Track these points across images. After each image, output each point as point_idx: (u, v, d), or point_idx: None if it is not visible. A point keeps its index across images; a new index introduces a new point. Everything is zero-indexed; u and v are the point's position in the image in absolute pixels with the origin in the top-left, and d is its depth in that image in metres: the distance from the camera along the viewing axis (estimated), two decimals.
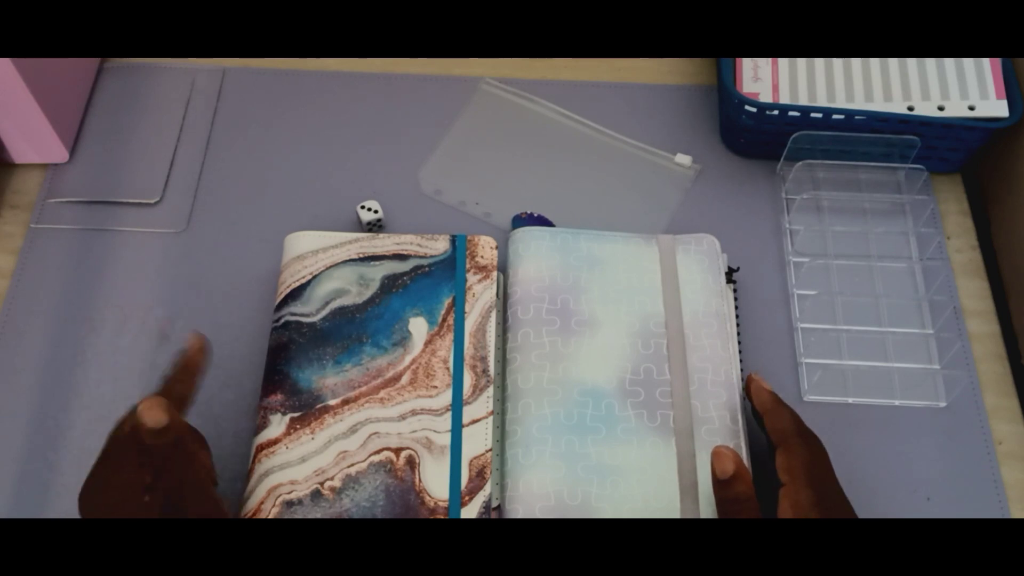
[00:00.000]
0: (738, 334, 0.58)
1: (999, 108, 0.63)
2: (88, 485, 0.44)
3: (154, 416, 0.42)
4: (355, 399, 0.53)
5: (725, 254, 0.59)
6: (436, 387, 0.53)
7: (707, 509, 0.50)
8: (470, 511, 0.50)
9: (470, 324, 0.55)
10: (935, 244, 0.64)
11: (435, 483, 0.50)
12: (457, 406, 0.53)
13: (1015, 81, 0.64)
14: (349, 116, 0.69)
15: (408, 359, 0.54)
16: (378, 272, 0.57)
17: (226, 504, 0.46)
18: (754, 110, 0.63)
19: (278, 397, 0.53)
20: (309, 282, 0.57)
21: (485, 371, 0.54)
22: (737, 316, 0.59)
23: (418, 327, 0.55)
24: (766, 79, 0.66)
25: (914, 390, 0.58)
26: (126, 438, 0.43)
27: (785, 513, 0.45)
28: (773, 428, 0.49)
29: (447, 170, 0.67)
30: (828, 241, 0.64)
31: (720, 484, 0.46)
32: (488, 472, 0.51)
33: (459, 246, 0.58)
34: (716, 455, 0.46)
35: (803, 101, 0.64)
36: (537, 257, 0.57)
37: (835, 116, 0.63)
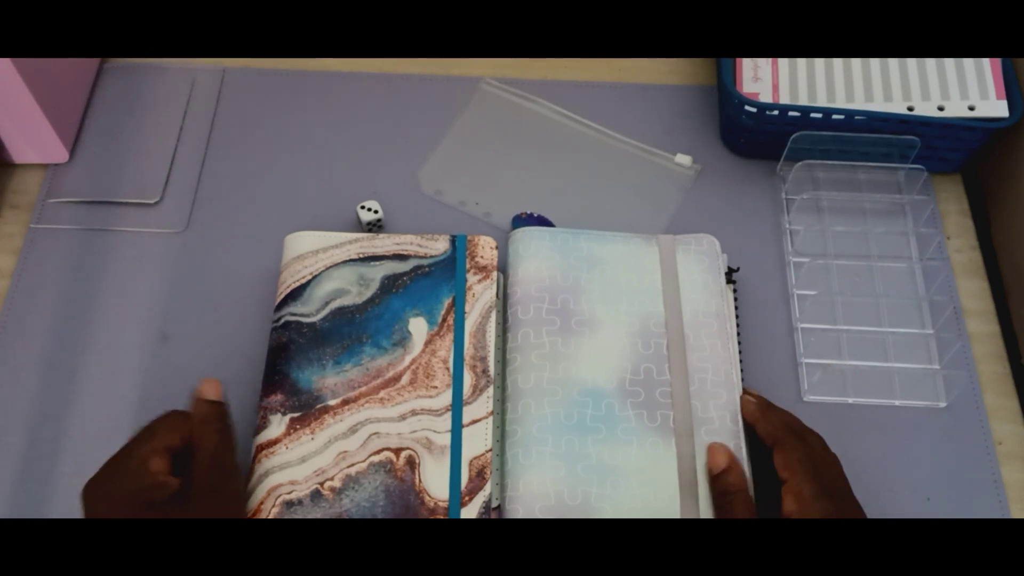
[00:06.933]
0: (738, 334, 0.58)
1: (999, 108, 0.63)
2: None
3: (211, 388, 0.48)
4: (355, 399, 0.53)
5: (725, 254, 0.59)
6: (436, 387, 0.53)
7: (707, 509, 0.50)
8: (470, 511, 0.50)
9: (470, 324, 0.55)
10: (935, 244, 0.64)
11: (435, 483, 0.50)
12: (457, 406, 0.53)
13: (1015, 81, 0.64)
14: (349, 116, 0.69)
15: (408, 359, 0.54)
16: (378, 272, 0.57)
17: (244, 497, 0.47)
18: (754, 110, 0.63)
19: (278, 397, 0.53)
20: (309, 282, 0.57)
21: (485, 371, 0.54)
22: (737, 316, 0.59)
23: (418, 327, 0.55)
24: (766, 79, 0.66)
25: (914, 390, 0.58)
26: (167, 427, 0.47)
27: (789, 508, 0.46)
28: (765, 433, 0.50)
29: (447, 170, 0.67)
30: (828, 241, 0.64)
31: (714, 478, 0.49)
32: (488, 472, 0.51)
33: (459, 246, 0.58)
34: (710, 450, 0.50)
35: (803, 101, 0.64)
36: (537, 257, 0.57)
37: (835, 116, 0.63)
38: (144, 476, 0.44)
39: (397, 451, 0.51)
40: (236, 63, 0.71)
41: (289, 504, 0.50)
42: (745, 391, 0.54)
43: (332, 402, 0.53)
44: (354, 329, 0.55)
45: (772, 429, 0.50)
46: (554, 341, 0.54)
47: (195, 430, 0.47)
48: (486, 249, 0.58)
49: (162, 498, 0.43)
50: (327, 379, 0.53)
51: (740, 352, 0.57)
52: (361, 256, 0.58)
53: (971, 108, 0.63)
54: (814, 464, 0.48)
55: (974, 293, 0.63)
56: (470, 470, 0.51)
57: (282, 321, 0.56)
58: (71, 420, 0.56)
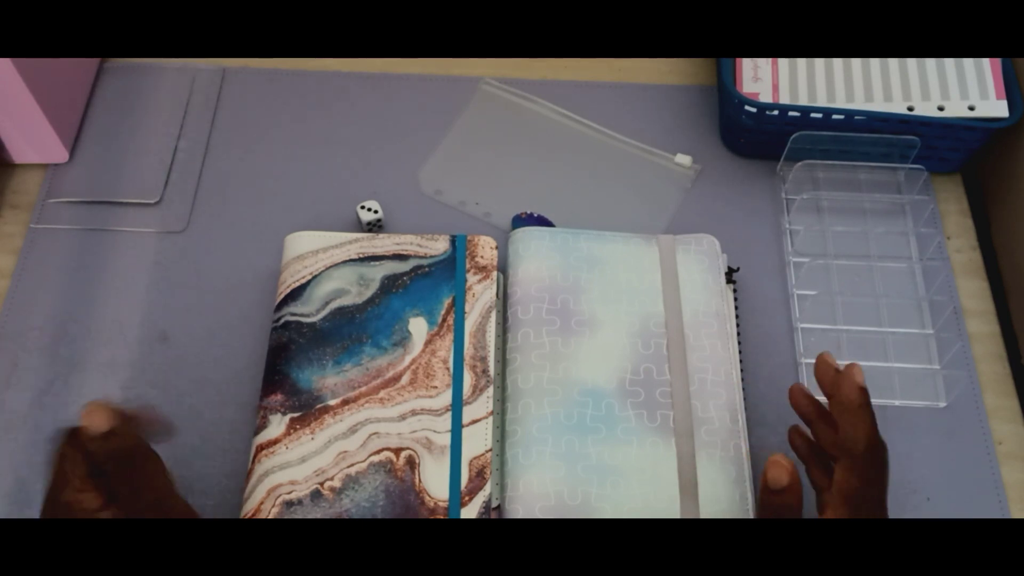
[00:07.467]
0: (738, 334, 0.58)
1: (999, 108, 0.63)
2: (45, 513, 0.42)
3: (97, 420, 0.40)
4: (355, 399, 0.53)
5: (725, 254, 0.59)
6: (436, 387, 0.53)
7: (707, 509, 0.50)
8: (470, 511, 0.50)
9: (470, 324, 0.55)
10: (935, 244, 0.63)
11: (435, 483, 0.50)
12: (457, 406, 0.53)
13: (1015, 81, 0.64)
14: (349, 116, 0.69)
15: (408, 359, 0.54)
16: (378, 272, 0.57)
17: (195, 509, 0.45)
18: (754, 110, 0.63)
19: (278, 397, 0.53)
20: (309, 282, 0.57)
21: (485, 371, 0.54)
22: (737, 316, 0.59)
23: (418, 327, 0.55)
24: (766, 79, 0.66)
25: (914, 390, 0.58)
26: (71, 457, 0.41)
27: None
28: (850, 430, 0.45)
29: (447, 170, 0.67)
30: (828, 241, 0.64)
31: (770, 492, 0.44)
32: (488, 472, 0.51)
33: (459, 246, 0.58)
34: (772, 464, 0.43)
35: (803, 101, 0.64)
36: (537, 257, 0.57)
37: (835, 116, 0.63)
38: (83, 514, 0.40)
39: (397, 451, 0.51)
40: (236, 63, 0.71)
41: (289, 504, 0.50)
42: (854, 368, 0.47)
43: (332, 402, 0.53)
44: (354, 329, 0.55)
45: (856, 435, 0.45)
46: (554, 341, 0.54)
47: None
48: (486, 249, 0.58)
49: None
50: (327, 379, 0.53)
51: (740, 352, 0.57)
52: (361, 256, 0.58)
53: (971, 108, 0.63)
54: (859, 492, 0.44)
55: (974, 293, 0.63)
56: (470, 470, 0.51)
57: (282, 321, 0.56)
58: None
